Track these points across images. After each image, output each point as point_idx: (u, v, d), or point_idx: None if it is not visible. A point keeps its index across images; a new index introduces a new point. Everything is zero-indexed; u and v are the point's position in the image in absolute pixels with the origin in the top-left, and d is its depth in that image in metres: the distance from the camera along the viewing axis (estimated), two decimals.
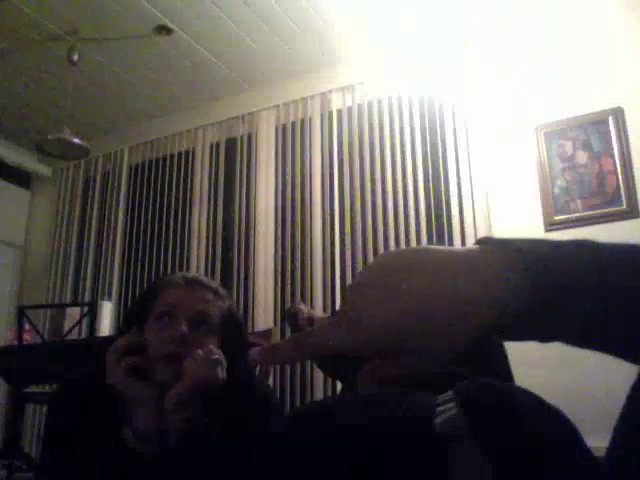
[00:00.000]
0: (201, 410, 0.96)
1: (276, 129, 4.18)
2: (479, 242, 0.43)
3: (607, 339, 0.40)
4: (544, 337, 0.41)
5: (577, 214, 3.09)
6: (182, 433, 0.92)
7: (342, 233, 3.75)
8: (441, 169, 3.55)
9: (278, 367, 3.61)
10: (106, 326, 3.28)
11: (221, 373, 0.97)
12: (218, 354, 0.98)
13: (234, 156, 4.30)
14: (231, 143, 4.35)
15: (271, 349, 0.45)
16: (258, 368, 2.68)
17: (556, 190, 3.17)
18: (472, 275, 0.40)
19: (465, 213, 3.40)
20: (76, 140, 3.57)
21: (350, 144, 3.86)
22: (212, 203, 4.29)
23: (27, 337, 3.15)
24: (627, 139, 3.06)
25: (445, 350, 0.41)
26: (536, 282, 0.38)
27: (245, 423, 0.96)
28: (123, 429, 0.93)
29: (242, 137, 4.29)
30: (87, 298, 4.50)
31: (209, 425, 0.96)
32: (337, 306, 3.58)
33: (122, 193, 4.69)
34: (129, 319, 1.12)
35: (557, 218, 3.14)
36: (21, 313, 3.06)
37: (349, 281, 3.64)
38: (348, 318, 0.42)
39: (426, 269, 0.41)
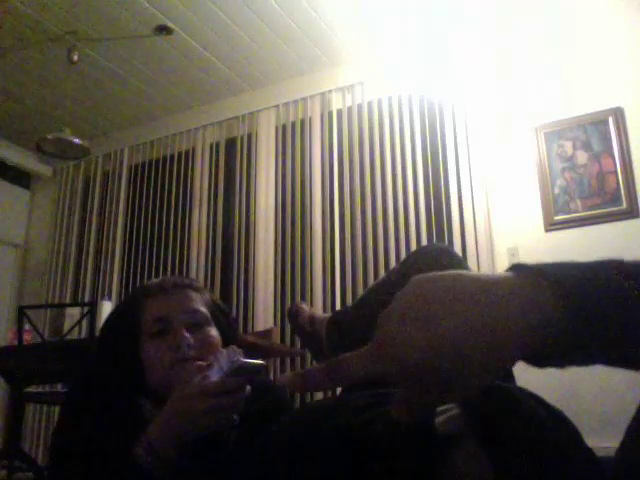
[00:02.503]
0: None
1: (276, 129, 4.17)
2: (511, 268, 0.42)
3: None
4: (583, 360, 0.40)
5: (577, 214, 3.09)
6: (205, 437, 0.88)
7: (342, 233, 3.74)
8: (441, 169, 3.55)
9: (277, 367, 3.60)
10: None
11: None
12: (240, 354, 0.92)
13: (234, 156, 4.29)
14: (231, 143, 4.35)
15: (303, 377, 0.45)
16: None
17: (556, 190, 3.17)
18: (508, 303, 0.39)
19: (465, 213, 3.40)
20: (76, 140, 3.57)
21: (350, 144, 3.86)
22: (212, 203, 4.29)
23: (27, 337, 3.15)
24: (627, 139, 3.06)
25: (481, 379, 0.40)
26: (574, 306, 0.38)
27: (260, 424, 0.94)
28: (137, 448, 0.87)
29: (242, 137, 4.29)
30: (87, 298, 4.50)
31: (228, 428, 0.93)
32: (337, 306, 3.57)
33: (122, 193, 4.69)
34: (111, 335, 1.07)
35: (557, 218, 3.13)
36: (21, 313, 3.06)
37: (349, 281, 3.63)
38: (382, 348, 0.42)
39: (461, 297, 0.40)
